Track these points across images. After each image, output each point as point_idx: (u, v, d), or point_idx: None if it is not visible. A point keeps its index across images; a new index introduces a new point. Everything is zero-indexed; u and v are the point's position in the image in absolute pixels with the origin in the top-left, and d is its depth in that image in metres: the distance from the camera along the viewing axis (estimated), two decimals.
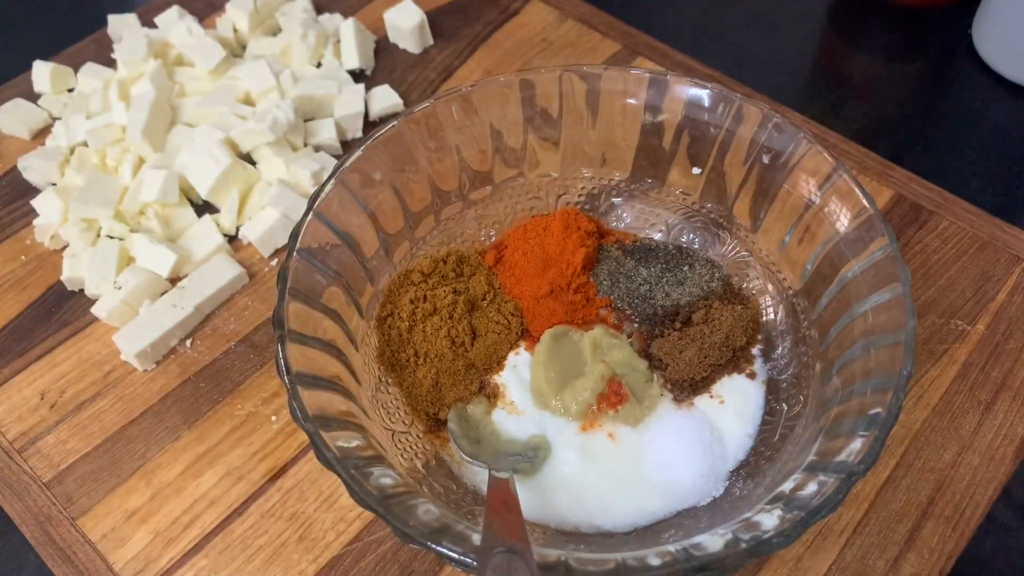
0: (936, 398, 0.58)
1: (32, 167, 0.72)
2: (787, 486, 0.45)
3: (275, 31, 0.84)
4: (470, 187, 0.62)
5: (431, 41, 0.83)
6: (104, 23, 0.84)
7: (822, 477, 0.43)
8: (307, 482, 0.56)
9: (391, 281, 0.58)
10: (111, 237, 0.68)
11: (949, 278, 0.63)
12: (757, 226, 0.59)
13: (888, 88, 0.81)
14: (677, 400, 0.56)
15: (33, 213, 0.71)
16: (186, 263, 0.67)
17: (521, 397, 0.56)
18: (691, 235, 0.63)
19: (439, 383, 0.56)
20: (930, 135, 0.76)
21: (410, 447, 0.53)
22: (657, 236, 0.64)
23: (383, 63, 0.82)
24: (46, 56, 0.81)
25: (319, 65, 0.81)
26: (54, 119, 0.78)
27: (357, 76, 0.80)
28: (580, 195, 0.64)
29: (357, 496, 0.42)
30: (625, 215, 0.64)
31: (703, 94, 0.58)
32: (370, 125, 0.77)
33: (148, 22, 0.84)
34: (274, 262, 0.68)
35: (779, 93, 0.76)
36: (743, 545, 0.41)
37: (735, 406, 0.55)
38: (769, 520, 0.42)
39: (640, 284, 0.61)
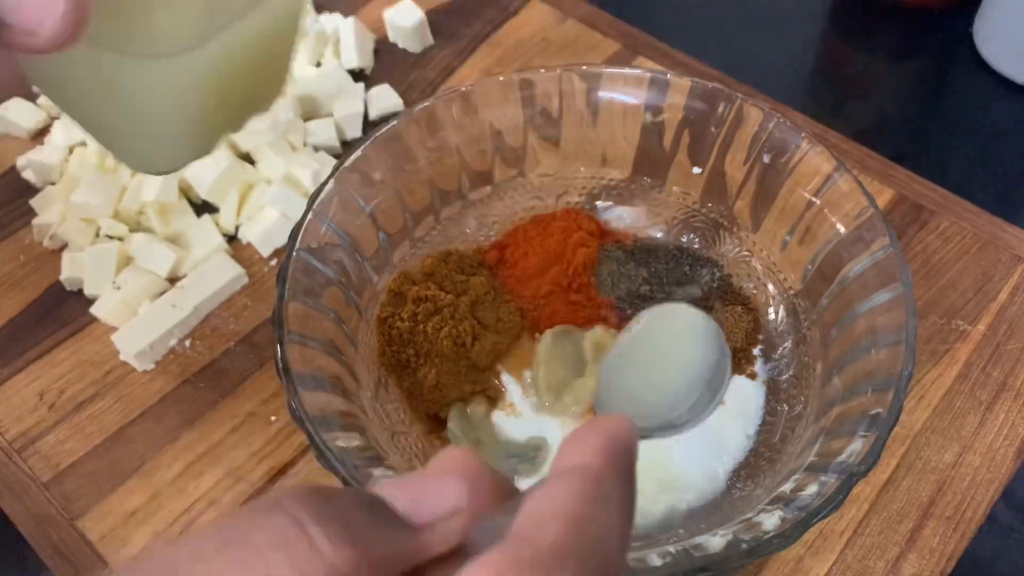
0: (937, 398, 0.58)
1: (31, 167, 0.72)
2: (788, 487, 0.44)
3: None
4: (470, 187, 0.61)
5: (431, 41, 0.83)
6: None
7: (823, 478, 0.43)
8: (307, 482, 0.56)
9: (391, 281, 0.58)
10: (110, 237, 0.68)
11: (950, 278, 0.63)
12: (758, 226, 0.58)
13: (889, 88, 0.81)
14: None
15: (32, 213, 0.71)
16: (185, 263, 0.67)
17: (521, 398, 0.56)
18: (691, 235, 0.62)
19: (440, 383, 0.56)
20: (931, 135, 0.76)
21: (410, 447, 0.53)
22: (657, 236, 0.64)
23: (383, 63, 0.82)
24: None
25: (319, 65, 0.81)
26: (53, 119, 0.78)
27: (357, 76, 0.80)
28: (580, 195, 0.64)
29: None
30: (625, 215, 0.64)
31: (703, 94, 0.57)
32: (370, 125, 0.77)
33: None
34: (274, 262, 0.68)
35: (779, 93, 0.76)
36: (743, 546, 0.41)
37: (735, 407, 0.55)
38: (770, 521, 0.42)
39: (640, 284, 0.61)
